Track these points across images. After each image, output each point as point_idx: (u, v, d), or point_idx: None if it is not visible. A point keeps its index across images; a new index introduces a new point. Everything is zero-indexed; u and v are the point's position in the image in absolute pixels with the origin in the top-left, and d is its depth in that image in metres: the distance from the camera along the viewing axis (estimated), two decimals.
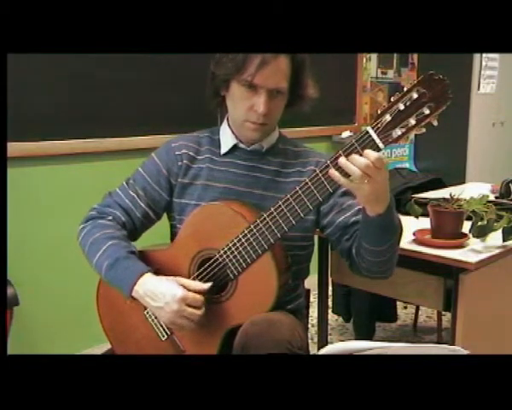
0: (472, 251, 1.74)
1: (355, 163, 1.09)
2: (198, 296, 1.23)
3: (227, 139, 1.39)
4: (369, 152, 1.09)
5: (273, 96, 1.28)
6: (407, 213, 1.83)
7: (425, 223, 1.85)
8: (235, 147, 1.38)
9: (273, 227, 1.21)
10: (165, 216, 1.44)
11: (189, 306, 1.22)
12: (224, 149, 1.39)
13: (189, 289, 1.23)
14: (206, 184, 1.36)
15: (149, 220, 1.40)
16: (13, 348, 1.94)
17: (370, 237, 1.23)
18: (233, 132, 1.38)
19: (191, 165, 1.38)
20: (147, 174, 1.39)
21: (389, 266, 1.30)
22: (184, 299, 1.21)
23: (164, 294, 1.22)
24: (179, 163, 1.38)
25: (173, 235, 1.43)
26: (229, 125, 1.39)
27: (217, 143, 1.40)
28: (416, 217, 1.84)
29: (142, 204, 1.38)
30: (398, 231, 1.25)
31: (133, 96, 2.48)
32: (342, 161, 1.11)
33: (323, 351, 1.18)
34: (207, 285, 1.25)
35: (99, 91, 2.39)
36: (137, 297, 1.25)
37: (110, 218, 1.36)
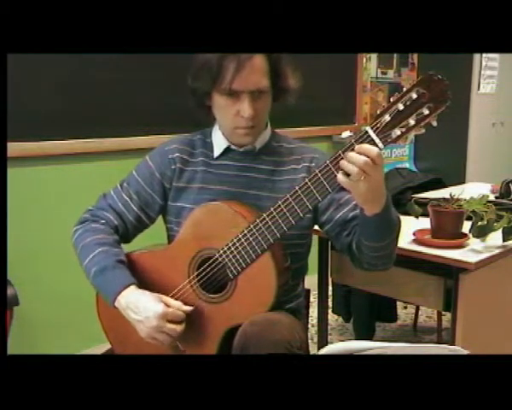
0: (472, 251, 1.74)
1: (351, 160, 1.09)
2: (178, 312, 1.24)
3: (219, 142, 1.38)
4: (362, 146, 1.09)
5: (256, 97, 1.27)
6: (407, 213, 1.83)
7: (425, 223, 1.85)
8: (227, 149, 1.38)
9: (273, 227, 1.21)
10: (160, 219, 1.44)
11: (170, 322, 1.22)
12: (216, 153, 1.38)
13: (170, 307, 1.23)
14: (201, 187, 1.36)
15: (142, 224, 1.41)
16: (13, 348, 1.94)
17: (370, 234, 1.24)
18: (224, 135, 1.37)
19: (185, 168, 1.38)
20: (140, 178, 1.39)
21: (390, 259, 1.32)
22: (165, 315, 1.22)
23: (145, 308, 1.22)
24: (172, 167, 1.37)
25: (170, 238, 1.43)
26: (220, 128, 1.38)
27: (209, 146, 1.40)
28: (416, 217, 1.84)
29: (135, 208, 1.38)
30: (396, 227, 1.26)
31: (133, 96, 2.48)
32: (342, 162, 1.11)
33: (323, 351, 1.19)
34: (188, 308, 1.25)
35: (99, 91, 2.38)
36: (120, 308, 1.26)
37: (103, 222, 1.37)
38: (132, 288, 1.26)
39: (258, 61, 1.25)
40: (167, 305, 1.23)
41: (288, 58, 1.33)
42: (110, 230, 1.36)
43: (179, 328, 1.24)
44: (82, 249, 1.33)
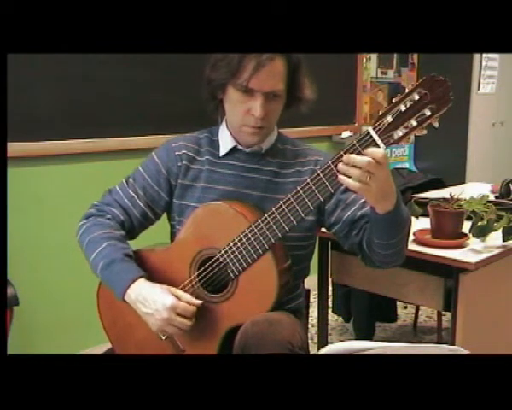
0: (472, 251, 1.74)
1: (355, 163, 1.10)
2: (189, 306, 1.23)
3: (226, 141, 1.38)
4: (373, 149, 1.09)
5: (269, 99, 1.27)
6: None
7: (425, 223, 1.85)
8: (234, 149, 1.38)
9: (274, 227, 1.21)
10: (164, 216, 1.44)
11: (180, 315, 1.22)
12: (222, 152, 1.38)
13: (181, 300, 1.23)
14: (205, 186, 1.36)
15: (148, 220, 1.40)
16: (13, 348, 1.94)
17: (381, 232, 1.24)
18: (231, 134, 1.38)
19: (191, 166, 1.38)
20: (146, 174, 1.39)
21: (401, 255, 1.32)
22: (175, 308, 1.22)
23: (155, 301, 1.22)
24: (179, 164, 1.38)
25: (173, 235, 1.43)
26: (227, 126, 1.39)
27: (216, 145, 1.40)
28: (416, 217, 1.84)
29: (141, 204, 1.38)
30: (407, 223, 1.26)
31: (133, 96, 2.48)
32: (341, 167, 1.11)
33: (323, 351, 1.19)
34: (198, 302, 1.25)
35: (99, 91, 2.38)
36: (129, 301, 1.26)
37: (109, 216, 1.37)
38: (141, 281, 1.26)
39: (278, 64, 1.26)
40: (177, 297, 1.23)
41: (307, 69, 1.33)
42: (116, 225, 1.36)
43: (189, 322, 1.23)
44: (89, 243, 1.32)
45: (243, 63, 1.23)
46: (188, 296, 1.25)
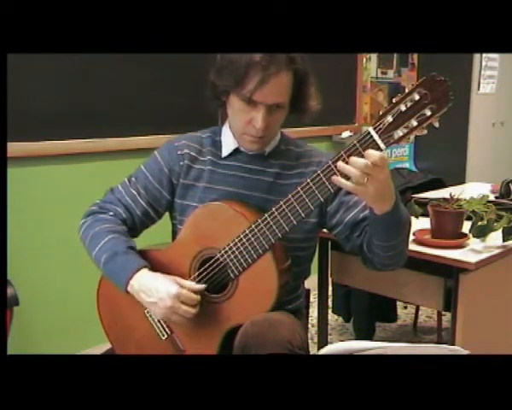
0: (472, 251, 1.74)
1: (353, 165, 1.10)
2: (193, 295, 1.24)
3: (228, 142, 1.38)
4: (371, 152, 1.09)
5: (272, 110, 1.26)
6: None
7: (425, 223, 1.85)
8: (236, 150, 1.38)
9: (274, 227, 1.21)
10: (166, 215, 1.45)
11: (184, 303, 1.22)
12: (225, 152, 1.38)
13: (184, 288, 1.23)
14: (207, 186, 1.36)
15: (150, 219, 1.41)
16: (13, 348, 1.94)
17: (380, 234, 1.24)
18: (234, 136, 1.38)
19: (193, 165, 1.38)
20: (148, 173, 1.39)
21: (402, 257, 1.31)
22: (178, 296, 1.22)
23: (158, 290, 1.23)
24: (181, 163, 1.37)
25: (175, 234, 1.43)
26: (230, 128, 1.38)
27: (218, 145, 1.40)
28: (416, 217, 1.84)
29: (142, 202, 1.38)
30: (407, 224, 1.26)
31: (133, 96, 2.48)
32: (340, 165, 1.11)
33: (323, 351, 1.19)
34: (202, 286, 1.26)
35: (99, 91, 2.38)
36: (132, 292, 1.26)
37: (111, 213, 1.37)
38: (144, 271, 1.26)
39: (284, 79, 1.24)
40: (180, 285, 1.23)
41: (314, 79, 1.32)
42: (119, 221, 1.36)
43: (193, 309, 1.24)
44: (92, 239, 1.33)
45: (249, 74, 1.22)
46: (190, 283, 1.26)
